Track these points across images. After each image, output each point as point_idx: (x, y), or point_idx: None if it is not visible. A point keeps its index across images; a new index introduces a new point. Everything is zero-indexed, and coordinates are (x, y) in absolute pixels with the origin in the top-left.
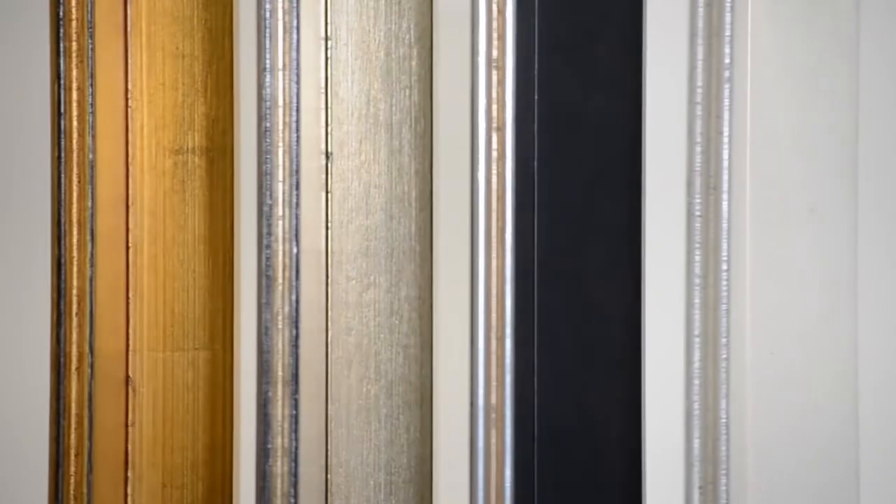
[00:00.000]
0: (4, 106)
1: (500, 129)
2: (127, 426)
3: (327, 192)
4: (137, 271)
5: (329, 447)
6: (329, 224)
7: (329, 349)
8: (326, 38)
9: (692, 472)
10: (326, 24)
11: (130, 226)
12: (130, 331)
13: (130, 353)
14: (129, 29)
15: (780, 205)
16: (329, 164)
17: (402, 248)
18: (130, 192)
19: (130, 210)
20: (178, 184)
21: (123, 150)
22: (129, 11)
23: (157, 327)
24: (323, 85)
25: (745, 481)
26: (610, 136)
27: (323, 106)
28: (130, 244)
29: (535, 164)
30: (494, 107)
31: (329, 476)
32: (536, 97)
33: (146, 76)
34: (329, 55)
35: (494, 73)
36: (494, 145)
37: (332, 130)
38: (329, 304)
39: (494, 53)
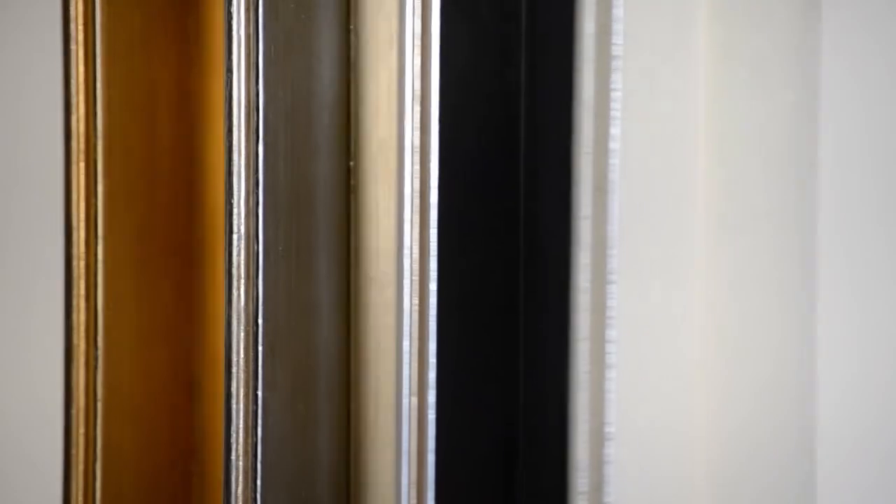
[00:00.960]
0: (27, 106)
1: (425, 129)
2: (189, 419)
3: (348, 193)
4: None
5: (351, 447)
6: (351, 225)
7: (352, 350)
8: (349, 35)
9: (576, 477)
10: (348, 24)
11: (193, 225)
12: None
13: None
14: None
15: (727, 209)
16: (353, 165)
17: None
18: (195, 191)
19: (191, 210)
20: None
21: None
22: (187, 21)
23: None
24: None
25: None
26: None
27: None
28: (193, 244)
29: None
30: (418, 107)
31: (351, 475)
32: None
33: (206, 81)
34: (350, 55)
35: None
36: (417, 142)
37: (353, 132)
38: (352, 304)
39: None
